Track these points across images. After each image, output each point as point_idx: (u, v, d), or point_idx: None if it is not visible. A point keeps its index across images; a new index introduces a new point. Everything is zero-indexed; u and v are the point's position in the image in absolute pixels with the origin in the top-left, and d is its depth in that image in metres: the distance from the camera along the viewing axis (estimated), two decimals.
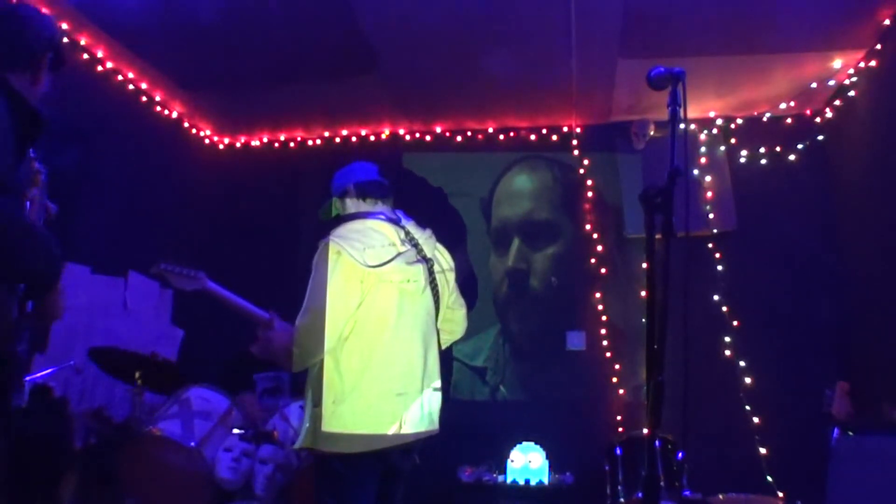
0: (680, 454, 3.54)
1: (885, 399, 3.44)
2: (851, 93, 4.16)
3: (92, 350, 3.34)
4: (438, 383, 2.47)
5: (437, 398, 2.46)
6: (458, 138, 5.16)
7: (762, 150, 4.69)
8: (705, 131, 4.78)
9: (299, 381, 2.47)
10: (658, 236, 1.67)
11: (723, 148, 4.73)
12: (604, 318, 4.75)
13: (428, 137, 5.20)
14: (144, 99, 4.56)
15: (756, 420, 4.30)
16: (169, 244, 4.60)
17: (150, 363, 3.30)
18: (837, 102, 4.38)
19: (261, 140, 5.40)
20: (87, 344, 3.37)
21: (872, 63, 3.88)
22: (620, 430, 4.42)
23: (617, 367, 4.64)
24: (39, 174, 1.92)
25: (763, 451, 4.23)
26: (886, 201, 3.74)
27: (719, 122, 4.79)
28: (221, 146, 5.44)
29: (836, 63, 4.04)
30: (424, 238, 2.54)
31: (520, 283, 4.95)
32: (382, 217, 2.47)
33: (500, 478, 4.32)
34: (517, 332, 4.93)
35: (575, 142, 4.99)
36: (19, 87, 1.74)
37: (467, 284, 4.76)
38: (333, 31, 3.83)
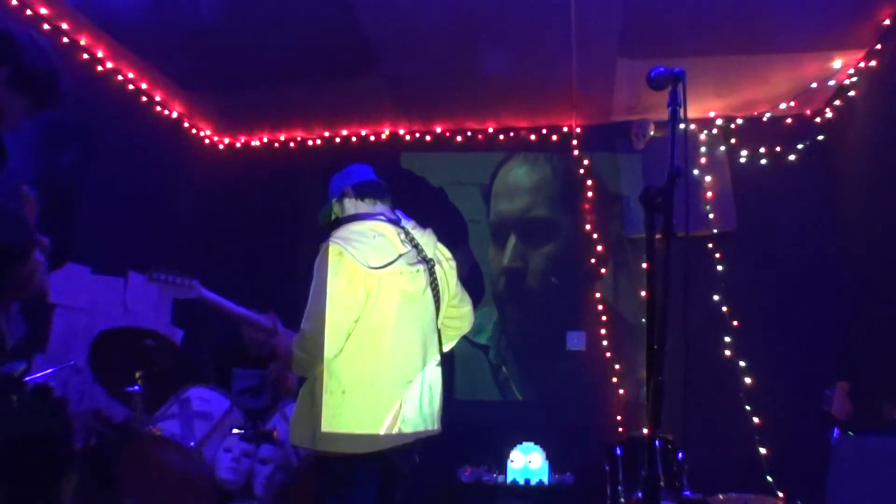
0: (680, 454, 3.54)
1: (885, 399, 3.44)
2: (851, 93, 4.16)
3: (94, 345, 3.31)
4: (439, 383, 2.47)
5: (437, 398, 2.45)
6: (458, 138, 5.16)
7: (762, 150, 4.68)
8: (705, 131, 4.77)
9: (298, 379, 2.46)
10: (658, 236, 1.67)
11: (723, 148, 4.72)
12: (604, 318, 4.75)
13: (428, 137, 5.19)
14: (144, 99, 4.56)
15: (756, 420, 4.30)
16: (169, 244, 4.60)
17: (154, 344, 3.26)
18: (837, 102, 4.38)
19: (261, 140, 5.40)
20: (87, 344, 3.36)
21: (872, 63, 3.88)
22: (620, 430, 4.42)
23: (617, 367, 4.64)
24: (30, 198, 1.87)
25: (763, 451, 4.22)
26: (886, 201, 3.74)
27: (719, 122, 4.79)
28: (221, 146, 5.44)
29: (836, 63, 4.04)
30: (425, 238, 2.54)
31: (516, 282, 4.94)
32: (382, 218, 2.47)
33: (500, 478, 4.32)
34: (516, 332, 4.92)
35: (575, 142, 4.99)
36: None
37: (473, 280, 4.78)
38: (333, 31, 3.83)
